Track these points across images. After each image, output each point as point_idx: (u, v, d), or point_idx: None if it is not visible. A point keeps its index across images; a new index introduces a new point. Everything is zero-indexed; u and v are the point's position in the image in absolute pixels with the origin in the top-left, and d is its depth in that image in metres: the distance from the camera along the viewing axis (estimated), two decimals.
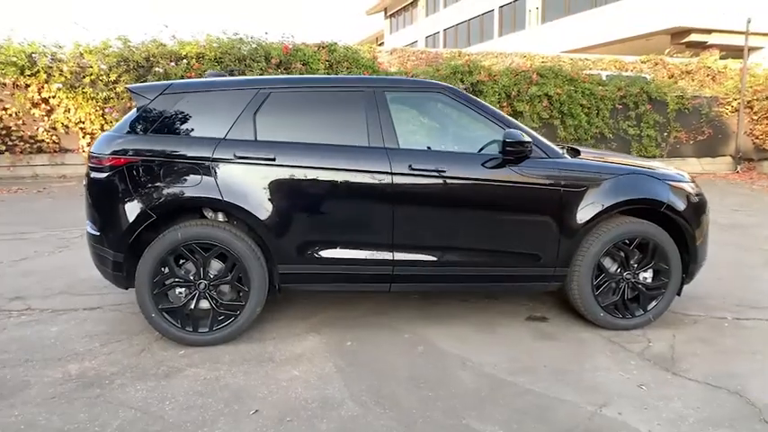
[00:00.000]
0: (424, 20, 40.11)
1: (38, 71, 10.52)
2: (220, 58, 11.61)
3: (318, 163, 3.47)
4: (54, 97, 10.77)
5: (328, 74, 12.28)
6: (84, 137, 11.02)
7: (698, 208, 3.97)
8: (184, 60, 11.35)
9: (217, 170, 3.40)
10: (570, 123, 13.87)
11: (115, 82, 10.80)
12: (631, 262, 3.85)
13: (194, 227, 3.41)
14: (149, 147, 3.42)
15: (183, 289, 3.47)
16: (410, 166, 3.52)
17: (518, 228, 3.71)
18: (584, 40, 24.94)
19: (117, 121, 8.61)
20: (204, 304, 3.49)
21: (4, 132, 10.63)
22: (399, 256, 3.59)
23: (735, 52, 18.34)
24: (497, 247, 3.71)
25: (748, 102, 14.92)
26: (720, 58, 18.56)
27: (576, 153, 4.11)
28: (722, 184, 12.45)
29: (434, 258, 3.64)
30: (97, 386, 3.01)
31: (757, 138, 15.08)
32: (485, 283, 3.78)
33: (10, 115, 10.64)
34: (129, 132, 3.50)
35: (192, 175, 3.39)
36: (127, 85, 3.83)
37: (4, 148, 10.65)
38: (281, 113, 3.58)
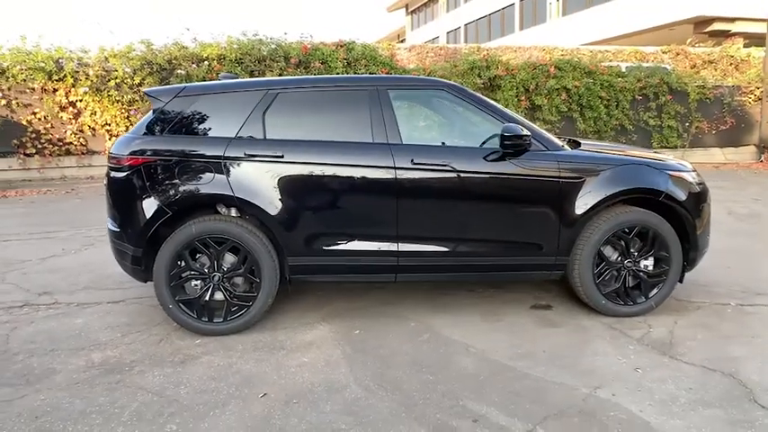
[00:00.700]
0: (445, 15, 40.06)
1: (65, 76, 10.91)
2: (241, 59, 11.89)
3: (324, 159, 3.63)
4: (81, 101, 11.16)
5: (346, 72, 12.46)
6: (110, 139, 11.38)
7: (698, 197, 4.03)
8: (206, 62, 11.63)
9: (228, 168, 3.59)
10: (590, 116, 13.84)
11: (139, 85, 11.14)
12: (632, 250, 3.93)
13: (208, 222, 3.60)
14: (165, 147, 3.62)
15: (199, 281, 3.66)
16: (412, 160, 3.66)
17: (519, 218, 3.82)
18: (605, 31, 24.70)
19: None
20: (219, 296, 3.68)
21: (33, 136, 11.04)
22: (404, 247, 3.73)
23: (759, 40, 17.99)
24: (500, 237, 3.82)
25: None
26: (744, 47, 18.26)
27: (576, 145, 4.20)
28: (744, 174, 12.30)
29: (438, 249, 3.77)
30: (117, 372, 3.21)
31: None
32: (488, 273, 3.90)
33: (39, 119, 11.05)
34: (146, 134, 3.70)
35: (205, 173, 3.58)
36: (144, 89, 4.03)
37: (33, 150, 11.06)
38: (289, 113, 3.75)
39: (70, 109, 11.21)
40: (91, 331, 3.79)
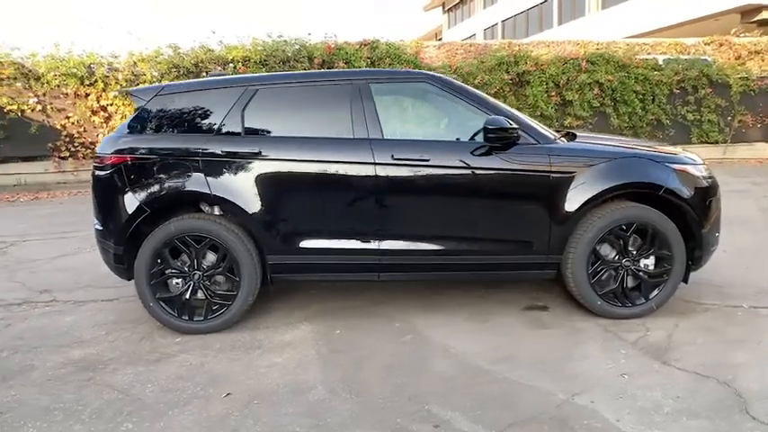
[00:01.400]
0: (482, 12, 39.57)
1: (96, 80, 11.23)
2: (265, 60, 11.97)
3: (302, 155, 3.57)
4: (111, 105, 11.46)
5: None
6: None
7: (705, 192, 3.78)
8: (231, 64, 11.76)
9: (206, 165, 3.56)
10: (624, 111, 13.38)
11: None
12: (630, 248, 3.72)
13: (186, 220, 3.58)
14: (144, 145, 3.62)
15: (180, 279, 3.65)
16: (392, 155, 3.55)
17: (506, 215, 3.66)
18: (646, 24, 23.87)
19: None
20: (200, 294, 3.66)
21: (67, 139, 11.40)
22: (386, 245, 3.63)
23: None
24: (486, 235, 3.68)
25: None
26: None
27: (572, 137, 4.01)
28: None
29: (422, 247, 3.65)
30: (91, 370, 3.22)
31: None
32: (475, 272, 3.75)
33: (72, 123, 11.40)
34: (129, 133, 3.71)
35: (183, 171, 3.56)
36: (127, 89, 4.06)
37: (67, 153, 11.42)
38: (268, 109, 3.70)
39: (101, 113, 11.51)
40: (78, 329, 3.83)
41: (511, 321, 3.80)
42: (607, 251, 3.75)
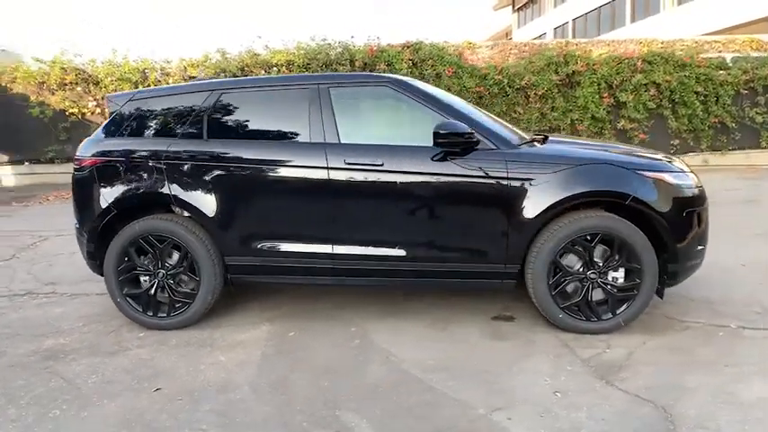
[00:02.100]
0: (553, 11, 38.47)
1: (149, 85, 11.84)
2: (308, 63, 12.22)
3: (257, 159, 3.64)
4: None
5: (411, 72, 12.37)
6: None
7: (684, 202, 3.54)
8: (275, 68, 12.08)
9: (168, 168, 3.71)
10: (683, 113, 12.68)
11: None
12: (596, 260, 3.54)
13: (150, 220, 3.74)
14: (113, 148, 3.82)
15: (147, 277, 3.82)
16: (345, 160, 3.56)
17: (460, 222, 3.58)
18: (724, 20, 22.38)
19: None
20: (165, 292, 3.81)
21: None
22: (339, 249, 3.64)
23: None
24: (439, 242, 3.61)
25: None
26: None
27: (544, 142, 3.87)
28: None
29: (375, 253, 3.63)
30: (53, 359, 3.43)
31: None
32: (429, 279, 3.68)
33: None
34: (105, 137, 3.92)
35: (147, 173, 3.73)
36: (107, 95, 4.28)
37: None
38: (231, 113, 3.80)
39: None
40: (62, 320, 4.09)
41: (470, 331, 3.71)
42: (573, 262, 3.58)
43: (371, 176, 3.56)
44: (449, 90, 12.39)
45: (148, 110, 3.89)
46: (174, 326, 3.80)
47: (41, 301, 4.52)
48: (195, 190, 3.68)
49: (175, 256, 3.80)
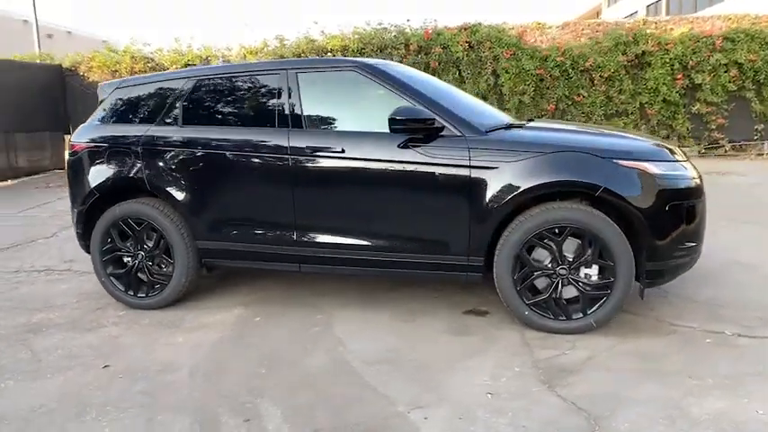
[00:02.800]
0: None
1: None
2: (362, 48, 12.20)
3: (224, 146, 3.68)
4: None
5: (467, 55, 12.06)
6: None
7: (669, 195, 3.22)
8: (329, 53, 12.18)
9: (144, 154, 3.83)
10: None
11: None
12: (566, 255, 3.30)
13: (128, 204, 3.89)
14: (98, 135, 4.00)
15: (129, 258, 3.98)
16: (307, 146, 3.52)
17: (420, 212, 3.44)
18: None
19: None
20: (144, 273, 3.97)
21: None
22: (302, 236, 3.62)
23: None
24: (400, 232, 3.50)
25: None
26: None
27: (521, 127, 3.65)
28: None
29: (337, 241, 3.58)
30: (34, 332, 3.67)
31: None
32: (393, 269, 3.57)
33: None
34: (96, 123, 4.11)
35: (125, 159, 3.88)
36: (100, 83, 4.45)
37: None
38: (204, 101, 3.86)
39: None
40: (60, 296, 4.36)
41: (436, 324, 3.58)
42: (543, 256, 3.36)
43: (332, 163, 3.51)
44: (506, 73, 11.98)
45: (132, 98, 4.03)
46: (153, 306, 3.94)
47: (53, 278, 4.83)
48: (168, 175, 3.78)
49: (153, 238, 3.93)
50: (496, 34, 12.15)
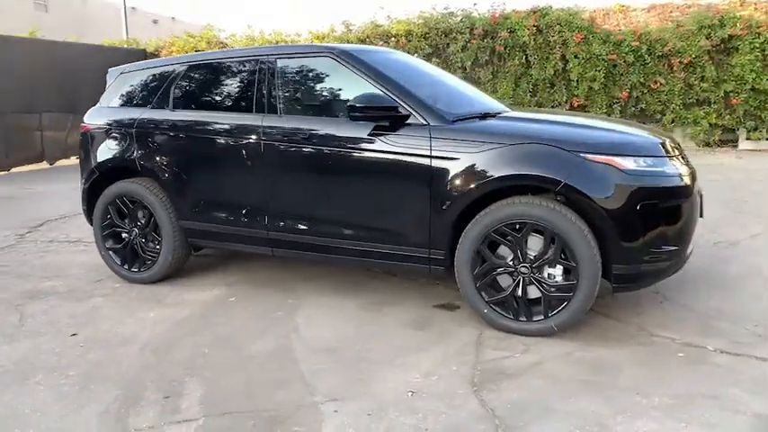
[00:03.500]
0: None
1: None
2: (426, 33, 12.05)
3: (204, 129, 3.78)
4: None
5: (534, 39, 11.58)
6: None
7: (645, 194, 2.94)
8: (393, 38, 12.13)
9: (137, 135, 4.02)
10: None
11: None
12: (529, 253, 3.12)
13: (123, 183, 4.10)
14: (103, 117, 4.24)
15: (126, 234, 4.21)
16: (278, 132, 3.55)
17: (383, 201, 3.38)
18: None
19: None
20: (141, 249, 4.17)
21: None
22: (273, 221, 3.66)
23: None
24: (363, 220, 3.46)
25: None
26: None
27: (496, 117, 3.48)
28: None
29: (304, 227, 3.59)
30: (34, 298, 3.97)
31: None
32: (358, 258, 3.52)
33: None
34: (103, 107, 4.36)
35: (122, 141, 4.09)
36: (110, 68, 4.66)
37: None
38: (192, 86, 3.98)
39: None
40: (77, 266, 4.67)
41: (400, 316, 3.51)
42: (507, 253, 3.19)
43: (299, 149, 3.51)
44: (576, 58, 11.39)
45: (133, 83, 4.23)
46: (145, 280, 4.14)
47: (79, 249, 5.20)
48: (156, 157, 3.95)
49: (145, 216, 4.12)
50: (567, 17, 11.55)
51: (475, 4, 12.02)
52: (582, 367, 2.84)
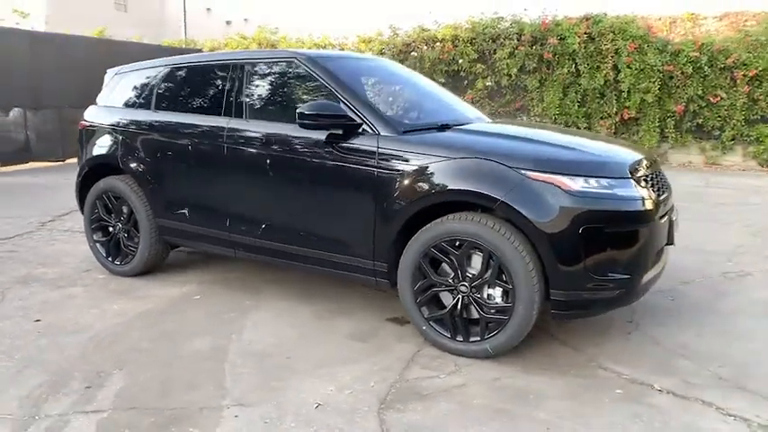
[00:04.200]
0: None
1: None
2: (473, 38, 11.90)
3: (176, 131, 3.90)
4: None
5: (585, 48, 11.20)
6: None
7: (590, 217, 2.77)
8: (439, 43, 12.05)
9: (121, 134, 4.19)
10: None
11: None
12: (469, 271, 3.01)
13: (108, 179, 4.28)
14: (96, 115, 4.45)
15: (111, 228, 4.39)
16: (239, 135, 3.60)
17: (331, 209, 3.36)
18: None
19: None
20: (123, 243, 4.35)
21: None
22: (234, 223, 3.72)
23: None
24: (312, 227, 3.45)
25: None
26: None
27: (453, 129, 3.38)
28: None
29: (262, 231, 3.62)
30: (22, 283, 4.21)
31: None
32: (311, 265, 3.51)
33: None
34: (98, 105, 4.58)
35: (107, 139, 4.28)
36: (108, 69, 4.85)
37: None
38: (172, 88, 4.11)
39: None
40: (75, 256, 4.91)
41: (347, 327, 3.47)
42: (450, 270, 3.09)
43: (256, 153, 3.55)
44: (628, 68, 10.90)
45: (125, 83, 4.41)
46: (127, 273, 4.30)
47: (82, 239, 5.45)
48: (134, 156, 4.11)
49: (126, 212, 4.28)
50: (621, 25, 11.07)
51: (525, 10, 11.71)
52: (503, 394, 2.71)
